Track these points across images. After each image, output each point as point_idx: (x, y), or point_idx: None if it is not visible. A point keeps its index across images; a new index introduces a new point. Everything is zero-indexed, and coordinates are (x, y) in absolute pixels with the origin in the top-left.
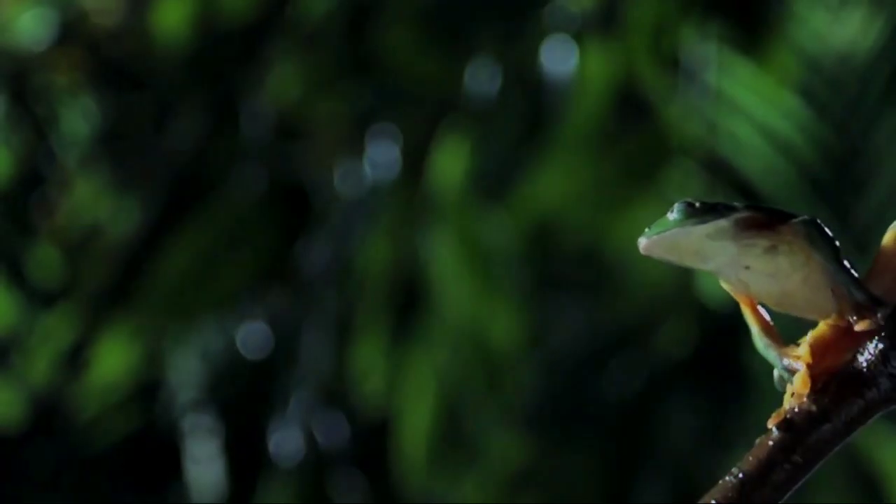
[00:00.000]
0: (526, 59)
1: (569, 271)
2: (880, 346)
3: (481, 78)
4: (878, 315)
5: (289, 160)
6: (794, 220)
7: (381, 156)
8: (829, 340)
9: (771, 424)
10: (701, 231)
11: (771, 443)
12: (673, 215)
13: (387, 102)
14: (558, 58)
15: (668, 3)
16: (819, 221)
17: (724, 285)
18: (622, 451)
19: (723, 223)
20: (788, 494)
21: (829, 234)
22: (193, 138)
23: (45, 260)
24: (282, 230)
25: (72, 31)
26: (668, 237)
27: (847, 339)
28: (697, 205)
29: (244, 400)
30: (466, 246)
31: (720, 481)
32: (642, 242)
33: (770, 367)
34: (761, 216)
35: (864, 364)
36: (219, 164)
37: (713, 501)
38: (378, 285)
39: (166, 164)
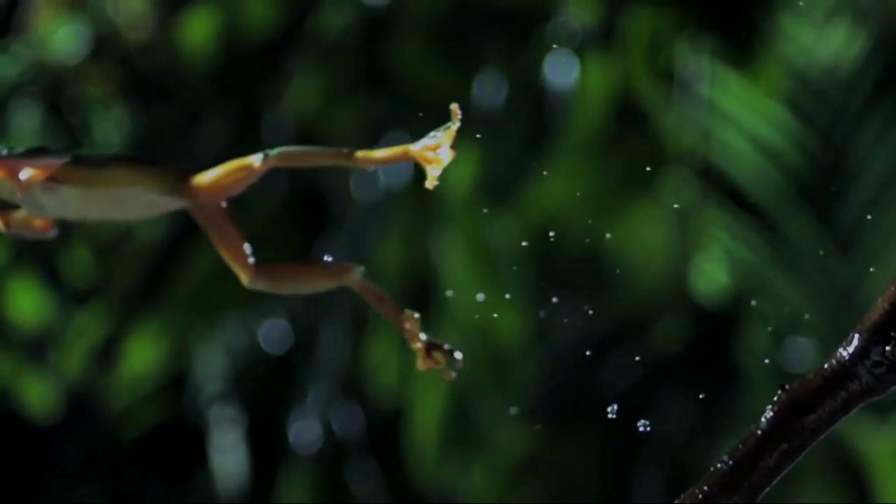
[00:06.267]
0: (530, 71)
1: (570, 271)
2: (862, 341)
3: (488, 89)
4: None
5: (307, 167)
6: (49, 159)
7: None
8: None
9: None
10: None
11: (760, 432)
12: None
13: (400, 112)
14: (560, 71)
15: (663, 19)
16: (76, 155)
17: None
18: (620, 440)
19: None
20: (776, 480)
21: (95, 160)
22: (218, 146)
23: (78, 260)
24: (301, 233)
25: (105, 46)
26: None
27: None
28: (18, 149)
29: (265, 392)
30: (474, 247)
31: (711, 468)
32: None
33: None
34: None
35: (847, 358)
36: None
37: (705, 487)
38: (391, 285)
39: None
